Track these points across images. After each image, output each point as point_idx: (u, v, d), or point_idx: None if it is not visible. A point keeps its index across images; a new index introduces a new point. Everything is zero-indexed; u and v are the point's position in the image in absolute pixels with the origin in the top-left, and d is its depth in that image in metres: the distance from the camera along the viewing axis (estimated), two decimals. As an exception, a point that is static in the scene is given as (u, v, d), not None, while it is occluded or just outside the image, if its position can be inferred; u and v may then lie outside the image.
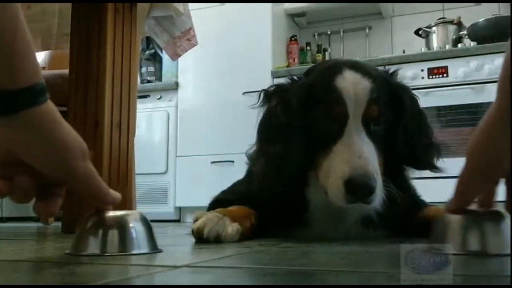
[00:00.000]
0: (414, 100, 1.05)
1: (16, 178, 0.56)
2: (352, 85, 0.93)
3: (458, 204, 0.62)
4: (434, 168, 1.02)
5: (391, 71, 1.06)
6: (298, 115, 0.97)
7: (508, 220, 0.65)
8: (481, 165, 0.58)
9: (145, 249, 0.70)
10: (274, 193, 1.01)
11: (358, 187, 0.86)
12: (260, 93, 1.06)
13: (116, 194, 0.62)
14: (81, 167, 0.57)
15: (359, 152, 0.88)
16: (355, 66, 0.98)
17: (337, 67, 0.98)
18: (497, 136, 0.54)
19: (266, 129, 1.02)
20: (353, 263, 0.63)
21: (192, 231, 0.91)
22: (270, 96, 1.04)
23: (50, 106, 0.55)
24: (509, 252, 0.62)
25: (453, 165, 2.69)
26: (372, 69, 1.03)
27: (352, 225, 1.02)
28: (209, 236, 0.89)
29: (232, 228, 0.92)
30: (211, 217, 0.92)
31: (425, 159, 1.02)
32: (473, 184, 0.60)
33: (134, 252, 0.68)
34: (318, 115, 0.96)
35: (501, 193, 1.03)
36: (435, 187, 2.46)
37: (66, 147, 0.55)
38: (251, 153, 1.12)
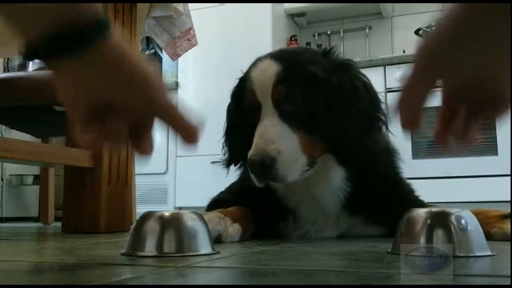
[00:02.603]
0: (348, 76, 0.97)
1: (107, 120, 0.56)
2: (260, 72, 0.99)
3: (404, 97, 0.58)
4: (362, 142, 0.95)
5: (328, 49, 1.02)
6: (232, 110, 1.09)
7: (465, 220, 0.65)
8: (425, 58, 0.55)
9: (206, 250, 0.70)
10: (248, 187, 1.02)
11: (252, 165, 0.90)
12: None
13: (196, 124, 0.61)
14: (163, 99, 0.57)
15: (261, 134, 0.93)
16: (273, 54, 1.02)
17: (258, 58, 1.04)
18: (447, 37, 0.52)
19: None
20: (353, 263, 0.63)
21: (192, 231, 0.91)
22: None
23: (117, 40, 0.55)
24: (474, 254, 0.62)
25: (454, 164, 2.67)
26: (294, 54, 1.07)
27: (334, 208, 1.02)
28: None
29: (233, 228, 0.92)
30: (212, 217, 0.92)
31: (354, 137, 0.94)
32: (417, 78, 0.57)
33: (191, 253, 0.67)
34: (243, 106, 1.03)
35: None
36: (435, 187, 2.47)
37: (145, 79, 0.56)
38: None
